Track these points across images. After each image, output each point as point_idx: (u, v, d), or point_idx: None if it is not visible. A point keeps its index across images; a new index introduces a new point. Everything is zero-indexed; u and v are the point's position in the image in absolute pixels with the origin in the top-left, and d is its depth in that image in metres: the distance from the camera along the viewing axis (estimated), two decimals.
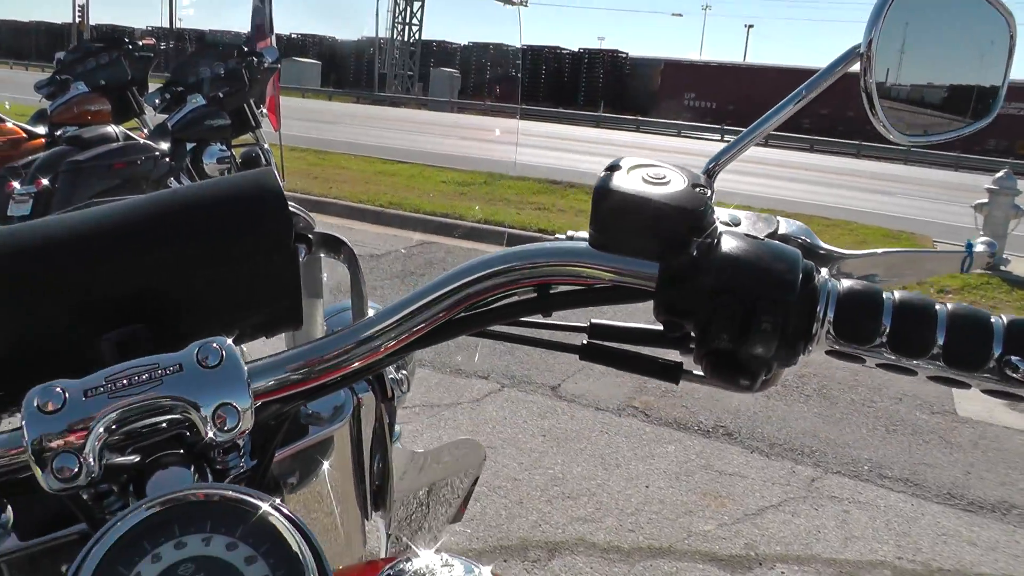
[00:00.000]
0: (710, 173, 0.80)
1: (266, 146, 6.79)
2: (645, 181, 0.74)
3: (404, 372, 1.12)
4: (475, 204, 10.07)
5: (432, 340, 0.78)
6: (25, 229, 0.88)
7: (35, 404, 0.64)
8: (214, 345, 0.69)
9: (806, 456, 4.11)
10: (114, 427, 0.66)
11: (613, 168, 0.76)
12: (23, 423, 0.64)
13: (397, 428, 1.17)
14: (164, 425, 0.69)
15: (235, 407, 0.68)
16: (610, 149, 16.04)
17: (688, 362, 0.80)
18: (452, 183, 12.07)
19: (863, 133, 30.01)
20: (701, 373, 0.78)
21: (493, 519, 3.35)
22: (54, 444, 0.64)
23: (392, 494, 1.18)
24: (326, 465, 1.03)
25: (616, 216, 0.73)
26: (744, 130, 0.83)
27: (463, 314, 0.77)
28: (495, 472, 3.77)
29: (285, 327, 0.99)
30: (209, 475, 0.74)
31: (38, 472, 0.64)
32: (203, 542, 0.64)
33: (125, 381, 0.67)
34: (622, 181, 0.74)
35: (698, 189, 0.74)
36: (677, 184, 0.74)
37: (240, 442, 0.85)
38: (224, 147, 6.20)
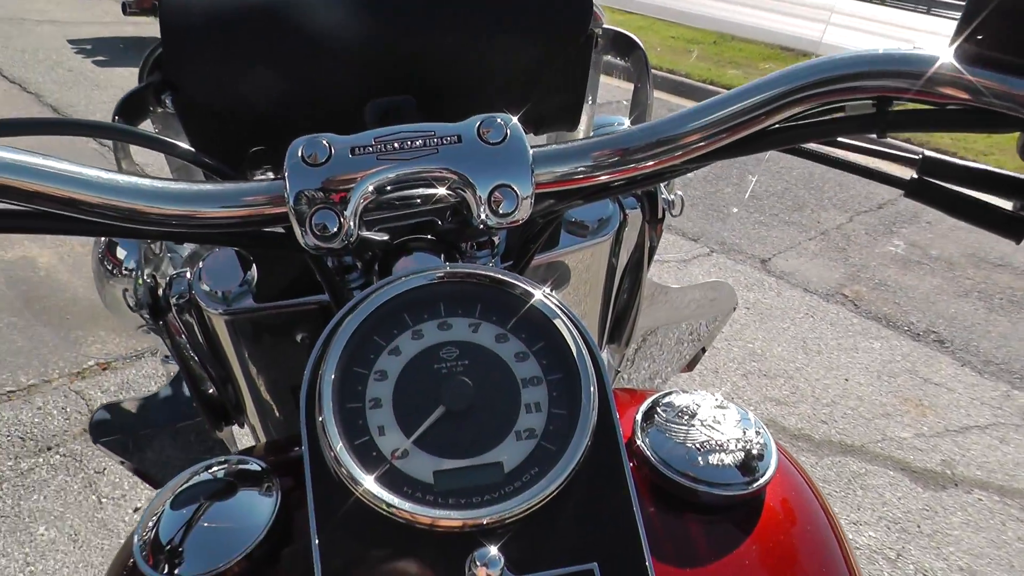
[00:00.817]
0: None
1: None
2: None
3: (679, 193, 1.01)
4: (702, 63, 9.64)
5: (736, 151, 0.68)
6: None
7: (299, 154, 0.59)
8: (499, 120, 0.61)
9: None
10: (377, 192, 0.60)
11: None
12: (285, 173, 0.59)
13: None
14: (419, 201, 0.63)
15: (514, 191, 0.60)
16: (847, 20, 14.84)
17: None
18: (681, 39, 11.57)
19: None
20: None
21: (686, 381, 3.29)
22: (315, 198, 0.59)
23: (633, 328, 1.10)
24: (574, 282, 0.95)
25: (997, 22, 0.59)
26: None
27: (778, 125, 0.66)
28: None
29: (558, 125, 0.91)
30: None
31: (296, 226, 0.59)
32: (471, 328, 0.58)
33: (396, 145, 0.60)
34: None
35: None
36: None
37: (496, 239, 0.79)
38: None
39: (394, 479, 0.52)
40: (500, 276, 0.59)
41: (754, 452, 0.65)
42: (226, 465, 0.70)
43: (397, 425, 0.53)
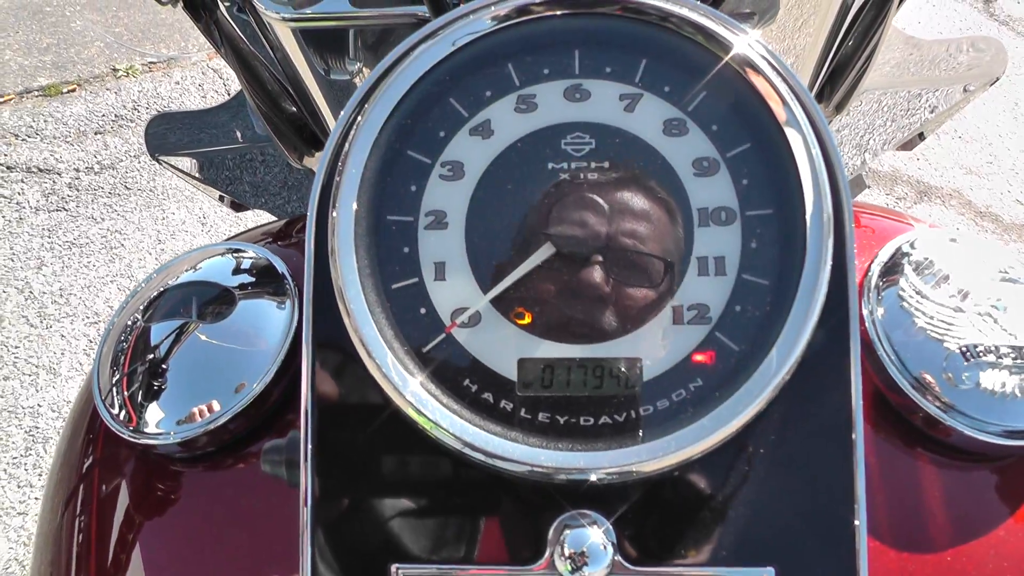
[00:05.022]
0: None
1: None
2: None
3: None
4: None
5: None
6: None
7: None
8: None
9: None
10: None
11: None
12: None
13: None
14: None
15: None
16: None
17: None
18: None
19: None
20: None
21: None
22: None
23: (855, 87, 0.82)
24: (788, 6, 0.68)
25: None
26: None
27: None
28: None
29: None
30: None
31: None
32: (623, 102, 0.35)
33: None
34: None
35: None
36: None
37: None
38: None
39: (448, 364, 0.31)
40: (683, 8, 0.35)
41: None
42: (226, 256, 0.52)
43: (468, 264, 0.32)
